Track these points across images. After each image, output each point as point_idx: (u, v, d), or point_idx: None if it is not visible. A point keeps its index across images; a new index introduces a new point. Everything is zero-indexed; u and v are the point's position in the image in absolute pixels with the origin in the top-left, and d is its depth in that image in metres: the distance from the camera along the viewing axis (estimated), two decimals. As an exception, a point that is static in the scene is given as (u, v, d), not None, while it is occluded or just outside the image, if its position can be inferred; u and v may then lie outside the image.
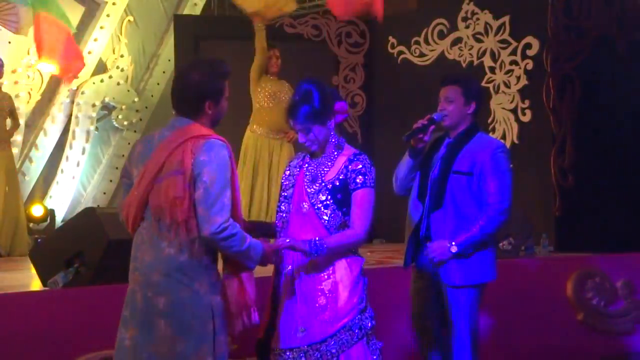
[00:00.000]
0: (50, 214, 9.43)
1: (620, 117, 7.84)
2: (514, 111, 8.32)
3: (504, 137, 8.27)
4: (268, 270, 3.77)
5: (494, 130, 8.36)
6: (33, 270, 5.37)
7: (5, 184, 8.26)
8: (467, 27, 8.81)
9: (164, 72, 10.36)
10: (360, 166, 3.70)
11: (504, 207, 4.18)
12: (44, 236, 8.61)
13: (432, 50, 9.10)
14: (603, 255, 6.82)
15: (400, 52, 9.38)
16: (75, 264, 5.01)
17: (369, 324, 3.67)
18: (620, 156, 7.83)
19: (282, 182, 3.87)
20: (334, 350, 3.60)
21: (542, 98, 7.94)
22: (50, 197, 9.70)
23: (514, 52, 8.34)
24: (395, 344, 4.81)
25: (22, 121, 8.86)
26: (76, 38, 9.71)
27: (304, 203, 3.71)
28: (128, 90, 10.17)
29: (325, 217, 3.67)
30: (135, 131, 10.19)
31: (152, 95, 10.36)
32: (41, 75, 9.58)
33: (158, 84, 10.33)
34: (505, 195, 4.19)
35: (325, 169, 3.73)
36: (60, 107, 9.78)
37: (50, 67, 8.88)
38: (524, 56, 8.25)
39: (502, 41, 8.47)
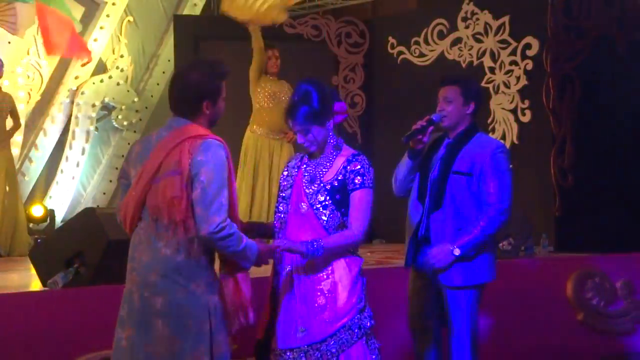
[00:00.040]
0: (50, 214, 9.43)
1: (620, 117, 7.84)
2: (513, 111, 8.32)
3: (503, 137, 8.27)
4: (266, 270, 3.78)
5: (493, 130, 8.37)
6: (33, 271, 5.37)
7: (5, 184, 8.26)
8: (466, 27, 8.81)
9: (163, 72, 10.36)
10: (359, 167, 3.70)
11: (504, 207, 4.17)
12: (43, 236, 8.61)
13: (432, 51, 9.10)
14: (603, 255, 6.82)
15: (400, 53, 9.38)
16: (75, 264, 5.01)
17: (368, 324, 3.67)
18: (620, 156, 7.83)
19: (280, 183, 3.87)
20: (334, 350, 3.61)
21: (542, 98, 7.94)
22: (50, 197, 9.70)
23: (513, 52, 8.35)
24: (395, 344, 4.81)
25: (22, 121, 8.85)
26: (76, 38, 9.75)
27: (302, 203, 3.71)
28: (128, 91, 10.17)
29: (324, 218, 3.68)
30: (135, 131, 10.19)
31: (151, 96, 10.36)
32: (41, 76, 9.58)
33: (158, 84, 10.32)
34: (505, 195, 4.19)
35: (323, 170, 3.73)
36: (60, 108, 9.78)
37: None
38: (524, 56, 8.25)
39: (502, 41, 8.47)
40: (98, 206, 9.29)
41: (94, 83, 9.93)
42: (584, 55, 7.83)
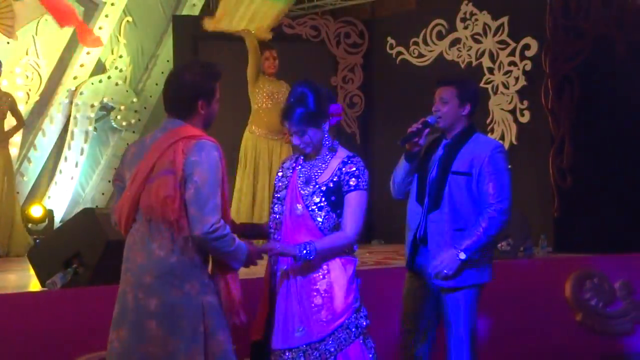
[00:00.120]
0: (49, 214, 9.43)
1: (619, 118, 7.84)
2: (512, 112, 8.33)
3: (502, 137, 8.27)
4: (261, 271, 3.79)
5: (492, 131, 8.37)
6: (31, 271, 5.37)
7: (3, 184, 8.25)
8: (465, 27, 8.82)
9: (162, 72, 10.34)
10: (354, 169, 3.72)
11: (504, 207, 4.17)
12: (42, 237, 8.60)
13: (431, 51, 9.11)
14: (601, 255, 6.82)
15: (399, 53, 9.38)
16: (74, 264, 5.01)
17: (364, 323, 3.70)
18: (619, 157, 7.84)
19: (275, 184, 3.89)
20: (332, 349, 3.63)
21: (541, 99, 7.95)
22: (49, 197, 9.69)
23: (512, 53, 8.35)
24: (395, 344, 4.80)
25: (22, 121, 8.86)
26: (75, 39, 9.72)
27: (297, 205, 3.73)
28: (127, 91, 10.17)
29: (319, 219, 3.69)
30: (133, 132, 10.19)
31: (150, 96, 10.36)
32: (40, 76, 9.58)
33: (157, 84, 10.31)
34: (505, 195, 4.18)
35: (319, 171, 3.75)
36: (59, 108, 9.78)
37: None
38: (523, 57, 8.26)
39: (501, 42, 8.47)
40: (97, 206, 9.29)
41: (92, 83, 9.93)
42: (582, 55, 7.83)
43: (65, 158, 9.80)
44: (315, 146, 3.76)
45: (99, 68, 10.06)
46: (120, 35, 10.11)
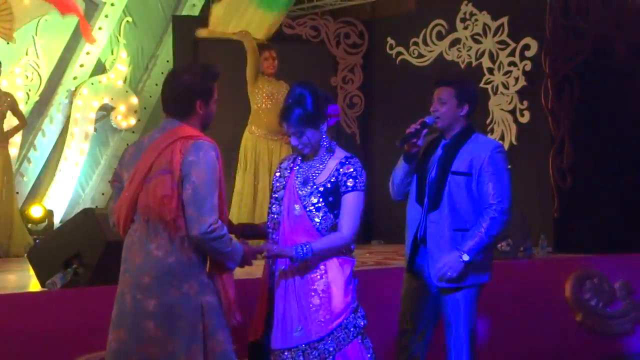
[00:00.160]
0: (49, 214, 9.43)
1: (619, 118, 7.85)
2: (512, 112, 8.33)
3: (502, 138, 8.27)
4: (257, 271, 3.80)
5: (492, 131, 8.37)
6: (31, 271, 5.37)
7: (2, 184, 8.25)
8: (465, 28, 8.82)
9: (162, 73, 10.34)
10: (352, 169, 3.73)
11: (504, 207, 4.17)
12: (42, 237, 8.60)
13: (431, 51, 9.11)
14: (601, 256, 6.83)
15: (399, 53, 9.38)
16: (74, 264, 5.01)
17: (362, 323, 3.72)
18: (619, 157, 7.84)
19: (272, 184, 3.89)
20: (331, 349, 3.64)
21: (541, 99, 7.95)
22: (49, 197, 9.69)
23: (512, 53, 8.35)
24: (393, 344, 4.80)
25: (21, 121, 8.85)
26: (75, 39, 9.73)
27: (295, 205, 3.74)
28: (127, 91, 10.17)
29: (317, 220, 3.70)
30: (133, 132, 10.19)
31: (150, 96, 10.36)
32: (39, 76, 9.58)
33: (156, 84, 10.31)
34: (505, 195, 4.18)
35: (316, 172, 3.76)
36: (59, 108, 9.78)
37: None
38: (523, 57, 8.26)
39: (501, 42, 8.47)
40: (97, 207, 9.29)
41: (92, 83, 9.93)
42: (582, 55, 7.83)
43: (65, 158, 9.80)
44: (313, 147, 3.76)
45: (99, 68, 10.06)
46: (120, 35, 10.12)
